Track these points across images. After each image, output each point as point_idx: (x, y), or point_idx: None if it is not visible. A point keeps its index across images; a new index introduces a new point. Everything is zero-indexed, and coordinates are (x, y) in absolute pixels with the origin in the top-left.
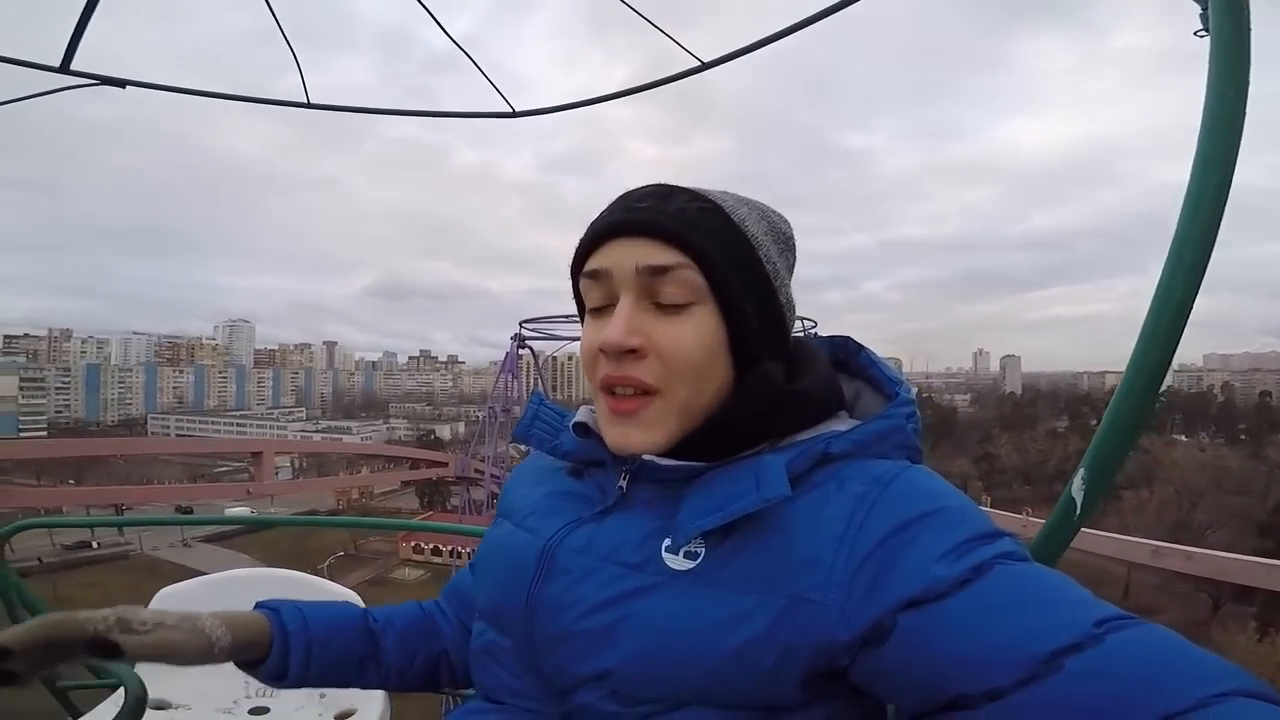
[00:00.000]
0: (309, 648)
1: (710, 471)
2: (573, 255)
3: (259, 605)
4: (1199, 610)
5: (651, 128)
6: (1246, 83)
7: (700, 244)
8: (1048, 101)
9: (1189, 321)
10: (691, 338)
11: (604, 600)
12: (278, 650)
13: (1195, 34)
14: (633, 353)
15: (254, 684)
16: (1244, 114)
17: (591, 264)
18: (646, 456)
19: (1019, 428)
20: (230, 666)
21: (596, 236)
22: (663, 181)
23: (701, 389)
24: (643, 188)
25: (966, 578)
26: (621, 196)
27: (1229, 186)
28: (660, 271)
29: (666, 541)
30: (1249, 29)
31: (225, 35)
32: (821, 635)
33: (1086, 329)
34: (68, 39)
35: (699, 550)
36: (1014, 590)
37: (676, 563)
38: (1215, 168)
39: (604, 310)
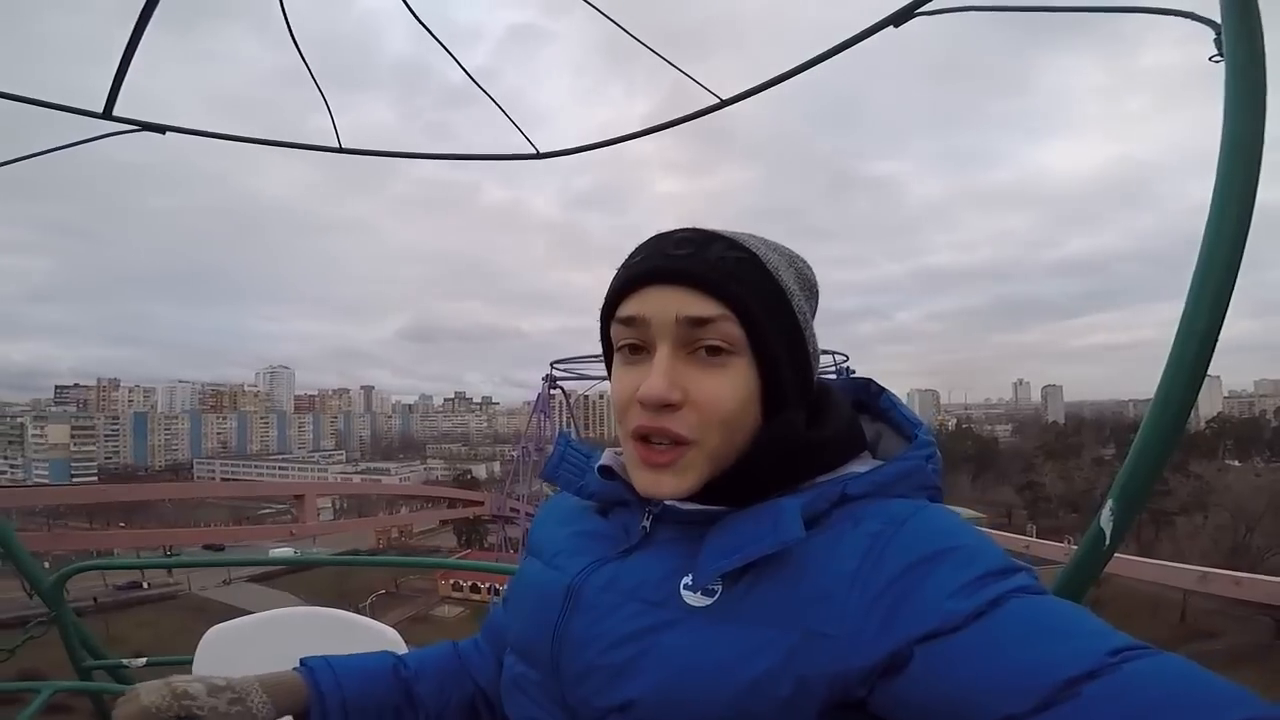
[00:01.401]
0: (344, 706)
1: (731, 515)
2: (605, 297)
3: (301, 663)
4: (1260, 633)
5: (673, 161)
6: (1264, 107)
7: (740, 296)
8: (1079, 122)
9: (1240, 346)
10: (728, 390)
11: (626, 635)
12: (316, 713)
13: (1211, 59)
14: (671, 406)
15: None
16: (1262, 137)
17: (628, 309)
18: (669, 501)
19: (1063, 456)
20: None
21: (633, 281)
22: (694, 224)
23: (733, 438)
24: (678, 232)
25: (982, 610)
26: (656, 240)
27: (1250, 212)
28: (701, 323)
29: (686, 579)
30: (1264, 54)
31: (253, 79)
32: (836, 667)
33: (1129, 356)
34: (108, 86)
35: (716, 587)
36: (1030, 621)
37: (695, 599)
38: (1234, 192)
39: (637, 355)
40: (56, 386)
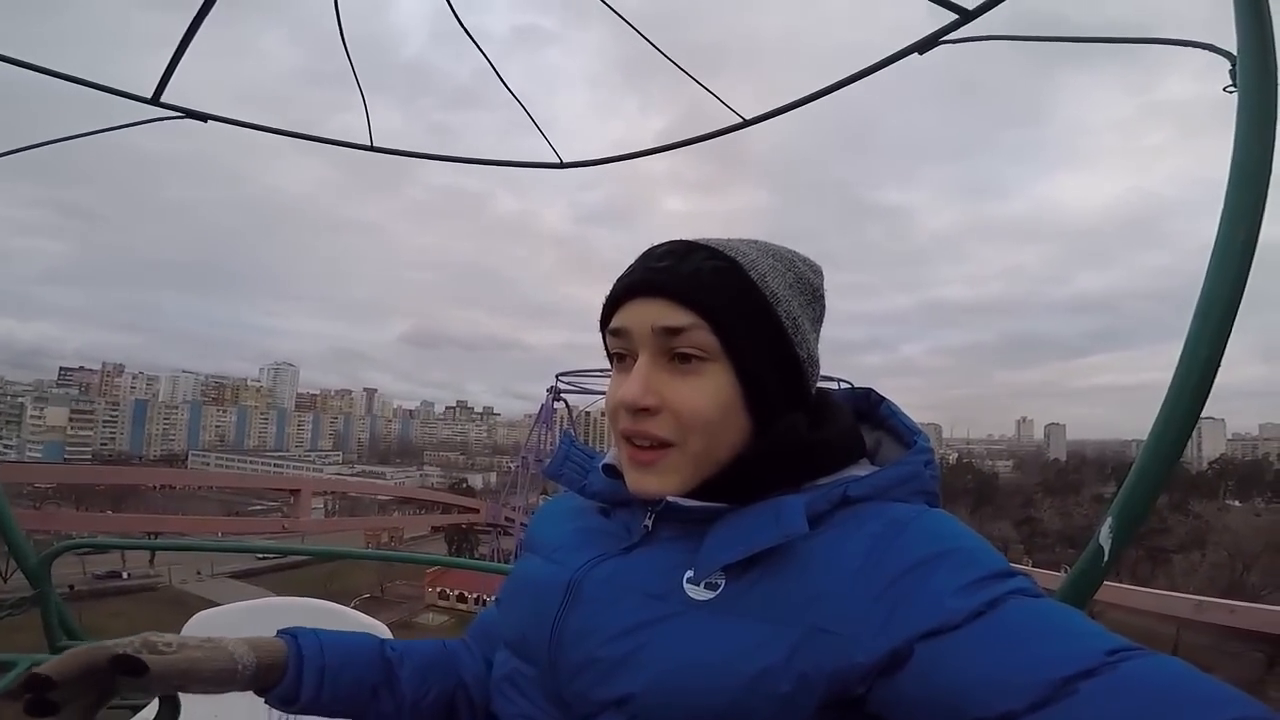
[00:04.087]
0: (322, 672)
1: (732, 511)
2: (600, 311)
3: (280, 632)
4: (1253, 668)
5: (686, 179)
6: (1273, 137)
7: (711, 304)
8: (1094, 155)
9: (1247, 391)
10: (703, 396)
11: (627, 628)
12: (291, 673)
13: (1225, 89)
14: (648, 410)
15: (276, 712)
16: (1270, 165)
17: (614, 322)
18: (670, 498)
19: (1062, 493)
20: (251, 693)
21: (619, 295)
22: (686, 238)
23: (717, 440)
24: (663, 245)
25: (981, 610)
26: (644, 254)
27: (1255, 241)
28: (674, 332)
29: (689, 573)
30: (1276, 85)
31: (277, 76)
32: (838, 664)
33: (1135, 397)
34: (146, 73)
35: (719, 582)
36: (1028, 621)
37: (697, 593)
38: (1241, 222)
39: (625, 364)
40: (61, 368)
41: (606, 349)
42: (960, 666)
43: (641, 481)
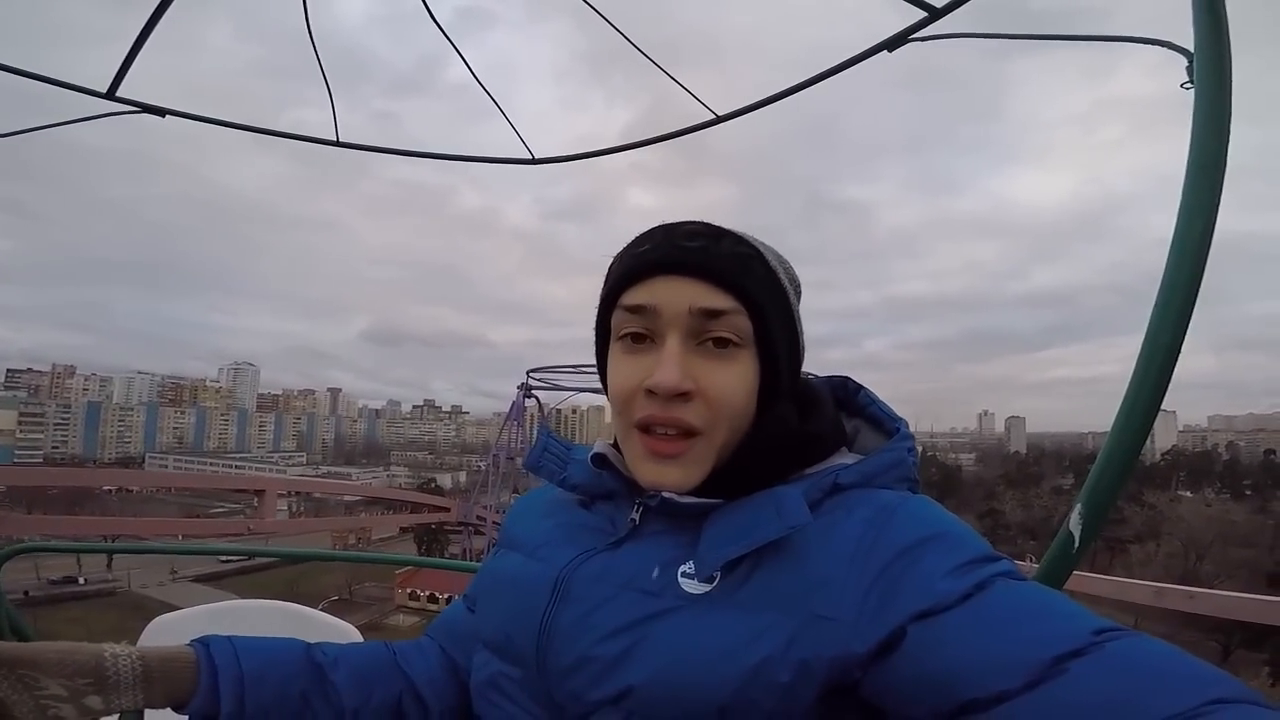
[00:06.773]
0: (240, 681)
1: (727, 505)
2: (607, 283)
3: (191, 642)
4: (1208, 656)
5: (650, 172)
6: (1227, 133)
7: (753, 291)
8: (1050, 150)
9: (1197, 384)
10: (737, 382)
11: (622, 625)
12: (205, 683)
13: (1182, 86)
14: (681, 395)
15: None
16: (1225, 163)
17: (636, 298)
18: (666, 494)
19: (1023, 485)
20: None
21: (643, 269)
22: (701, 220)
23: (737, 430)
24: (689, 224)
25: (970, 592)
26: (664, 229)
27: (1212, 233)
28: (713, 315)
29: (685, 567)
30: (1230, 81)
31: (230, 68)
32: (837, 650)
33: (1091, 390)
34: (102, 67)
35: (715, 574)
36: (1016, 602)
37: (693, 586)
38: (1198, 215)
39: (640, 345)
40: (8, 370)
41: (606, 327)
42: (953, 647)
43: (662, 474)
